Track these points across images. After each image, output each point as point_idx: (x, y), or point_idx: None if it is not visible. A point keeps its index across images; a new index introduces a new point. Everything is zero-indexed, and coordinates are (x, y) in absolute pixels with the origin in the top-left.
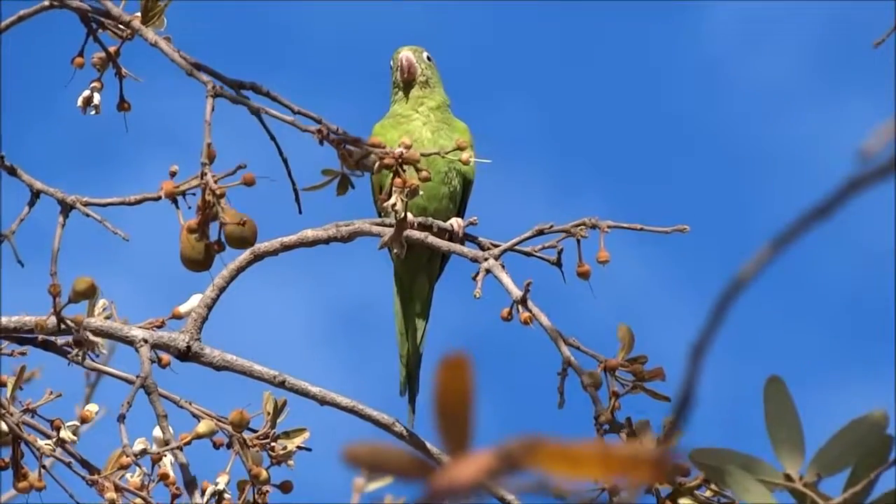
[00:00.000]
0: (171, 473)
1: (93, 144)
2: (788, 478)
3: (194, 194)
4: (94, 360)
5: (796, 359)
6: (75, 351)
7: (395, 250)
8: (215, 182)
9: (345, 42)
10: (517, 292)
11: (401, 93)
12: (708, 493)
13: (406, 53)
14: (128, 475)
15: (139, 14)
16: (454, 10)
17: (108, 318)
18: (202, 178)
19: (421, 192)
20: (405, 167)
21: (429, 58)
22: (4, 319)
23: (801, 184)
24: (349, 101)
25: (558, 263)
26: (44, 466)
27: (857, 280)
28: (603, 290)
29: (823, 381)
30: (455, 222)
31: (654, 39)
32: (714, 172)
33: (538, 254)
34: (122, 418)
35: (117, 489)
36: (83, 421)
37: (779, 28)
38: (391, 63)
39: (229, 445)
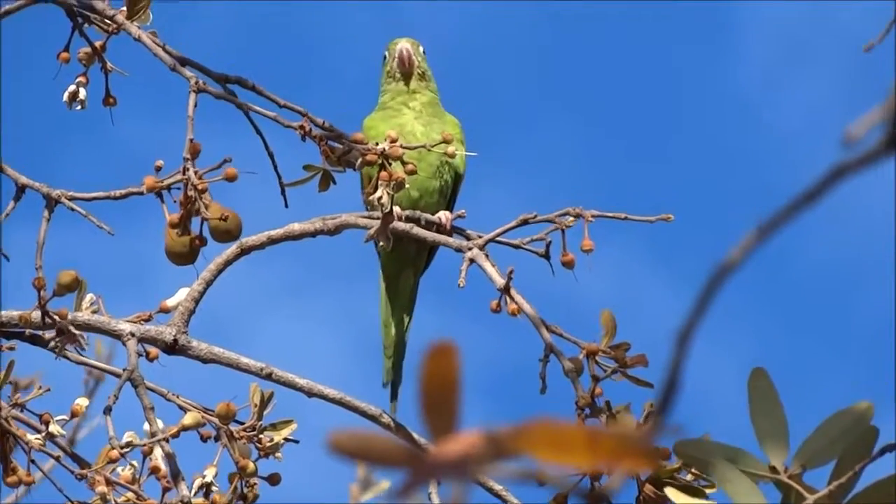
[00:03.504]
0: (163, 467)
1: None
2: (774, 470)
3: (179, 188)
4: (81, 355)
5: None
6: (56, 342)
7: (381, 243)
8: (198, 177)
9: (377, 51)
10: (500, 281)
11: (391, 84)
12: (689, 478)
13: (405, 44)
14: (119, 469)
15: (124, 9)
16: (488, 27)
17: (94, 312)
18: (184, 174)
19: (408, 185)
20: (391, 161)
21: (424, 52)
22: None
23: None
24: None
25: (547, 256)
26: (33, 461)
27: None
28: (604, 285)
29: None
30: (443, 215)
31: (687, 65)
32: (743, 193)
33: (526, 246)
34: (108, 410)
35: (108, 483)
36: (73, 415)
37: (811, 57)
38: (385, 53)
39: (217, 438)
